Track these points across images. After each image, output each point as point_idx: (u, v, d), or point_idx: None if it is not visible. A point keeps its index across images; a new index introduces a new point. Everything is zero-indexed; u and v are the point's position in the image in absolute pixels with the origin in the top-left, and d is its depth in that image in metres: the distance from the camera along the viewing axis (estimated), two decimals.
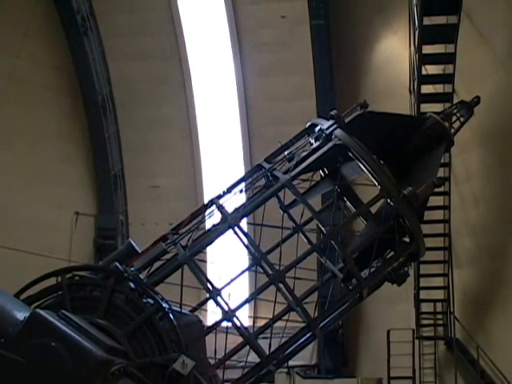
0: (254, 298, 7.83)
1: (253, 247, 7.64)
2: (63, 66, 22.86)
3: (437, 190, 15.12)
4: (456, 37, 14.97)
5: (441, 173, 15.03)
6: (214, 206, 7.84)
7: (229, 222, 7.55)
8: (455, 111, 8.87)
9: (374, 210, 8.20)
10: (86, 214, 22.99)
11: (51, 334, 5.67)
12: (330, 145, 7.86)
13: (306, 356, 20.60)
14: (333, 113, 7.97)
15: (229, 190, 7.98)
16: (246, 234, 7.59)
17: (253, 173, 8.18)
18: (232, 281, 7.92)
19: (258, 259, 7.57)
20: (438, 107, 13.67)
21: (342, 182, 8.54)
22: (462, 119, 8.85)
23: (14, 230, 20.70)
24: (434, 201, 15.26)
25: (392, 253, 8.06)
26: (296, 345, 7.59)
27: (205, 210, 7.94)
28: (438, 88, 16.55)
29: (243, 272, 8.02)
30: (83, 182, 23.46)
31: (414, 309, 18.05)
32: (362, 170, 7.84)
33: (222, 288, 7.62)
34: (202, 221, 7.97)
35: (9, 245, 19.18)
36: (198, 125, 23.73)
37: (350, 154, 7.78)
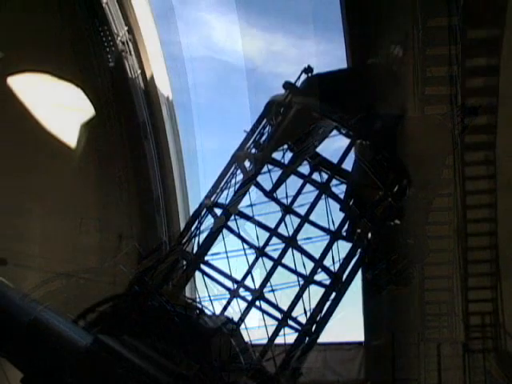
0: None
1: (249, 242, 7.94)
2: (104, 90, 23.04)
3: (483, 202, 15.13)
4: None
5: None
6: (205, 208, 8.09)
7: (221, 220, 7.76)
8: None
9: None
10: (129, 237, 23.09)
11: (116, 360, 5.68)
12: (293, 110, 8.17)
13: (354, 371, 20.48)
14: (284, 83, 8.36)
15: (214, 188, 8.20)
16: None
17: (230, 164, 8.38)
18: (244, 279, 8.17)
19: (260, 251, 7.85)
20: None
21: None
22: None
23: (59, 254, 20.80)
24: (480, 214, 15.18)
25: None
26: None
27: (199, 214, 8.18)
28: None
29: (251, 268, 8.28)
30: (126, 205, 23.61)
31: (462, 322, 17.86)
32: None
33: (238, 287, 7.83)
34: (200, 224, 8.23)
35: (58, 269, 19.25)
36: None
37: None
